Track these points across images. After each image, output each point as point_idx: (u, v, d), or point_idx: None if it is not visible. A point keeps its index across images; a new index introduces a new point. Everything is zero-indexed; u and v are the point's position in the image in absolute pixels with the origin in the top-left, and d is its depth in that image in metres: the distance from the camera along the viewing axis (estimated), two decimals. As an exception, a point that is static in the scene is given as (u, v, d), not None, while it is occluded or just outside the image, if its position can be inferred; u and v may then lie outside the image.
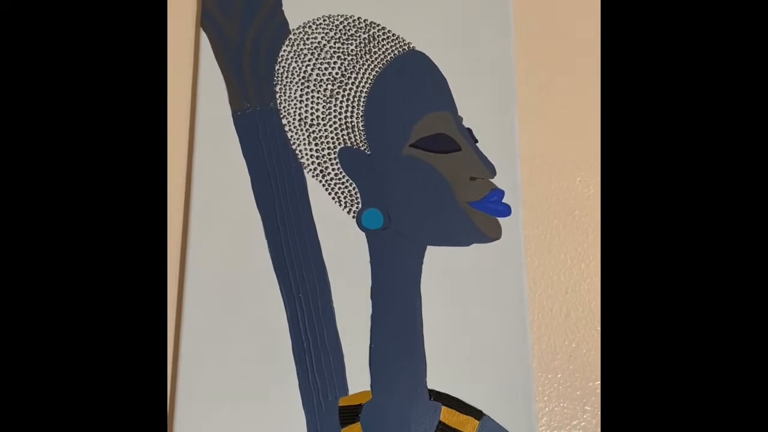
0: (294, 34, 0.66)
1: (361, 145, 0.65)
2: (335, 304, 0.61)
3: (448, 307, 0.61)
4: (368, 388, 0.59)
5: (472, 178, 0.65)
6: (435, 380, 0.59)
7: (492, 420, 0.58)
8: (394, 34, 0.67)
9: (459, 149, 0.66)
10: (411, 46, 0.67)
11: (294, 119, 0.65)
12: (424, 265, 0.63)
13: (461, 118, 0.66)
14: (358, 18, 0.67)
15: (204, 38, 0.66)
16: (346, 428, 0.58)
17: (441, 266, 0.62)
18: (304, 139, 0.65)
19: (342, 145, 0.65)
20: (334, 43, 0.66)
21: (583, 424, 0.61)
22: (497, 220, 0.64)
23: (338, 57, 0.66)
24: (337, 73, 0.66)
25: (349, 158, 0.65)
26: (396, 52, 0.67)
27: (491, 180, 0.65)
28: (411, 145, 0.65)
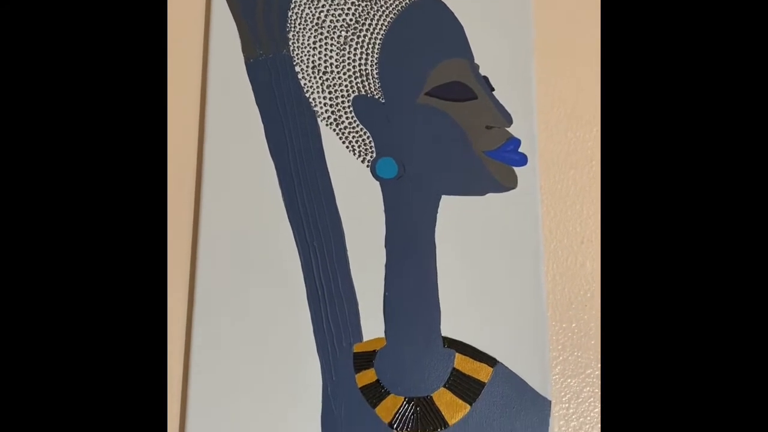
0: (307, -21, 0.65)
1: (375, 93, 0.64)
2: (349, 253, 0.61)
3: (462, 256, 0.61)
4: (382, 335, 0.59)
5: (488, 127, 0.64)
6: (449, 328, 0.59)
7: (506, 367, 0.58)
8: (409, -21, 0.66)
9: (475, 97, 0.65)
10: (427, -9, 0.65)
11: (307, 67, 0.64)
12: (438, 215, 0.62)
13: (478, 66, 0.65)
14: (373, -38, 0.66)
15: (216, -16, 0.65)
16: (360, 374, 0.58)
17: (456, 216, 0.62)
18: (317, 87, 0.64)
19: (356, 93, 0.64)
20: (348, -12, 0.65)
21: (597, 373, 0.61)
22: (513, 169, 0.63)
23: (352, 3, 0.65)
24: (351, 20, 0.64)
25: (363, 106, 0.64)
26: (411, -3, 0.65)
27: (507, 129, 0.64)
28: (426, 94, 0.64)
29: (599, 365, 0.61)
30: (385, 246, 0.61)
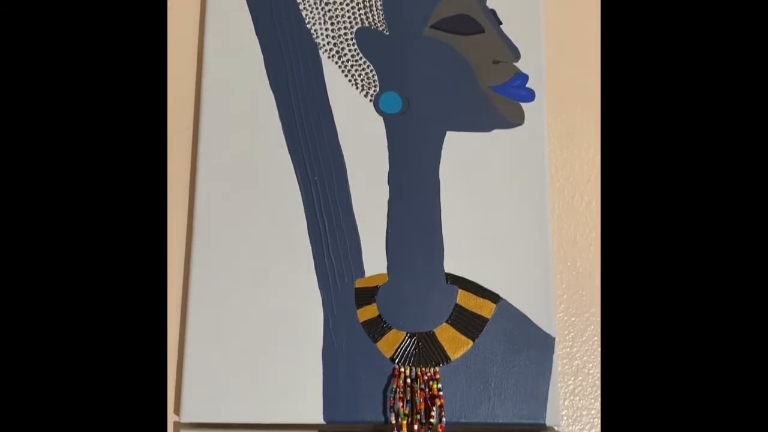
0: None
1: (379, 25, 0.62)
2: (351, 189, 0.60)
3: (467, 193, 0.60)
4: (384, 271, 0.58)
5: (495, 62, 0.62)
6: (452, 264, 0.58)
7: (509, 304, 0.58)
8: None
9: (482, 31, 0.63)
10: None
11: (309, -3, 0.62)
12: (443, 151, 0.61)
13: (485, -2, 0.63)
14: None
15: None
16: (361, 309, 0.57)
17: (461, 152, 0.61)
18: (319, 18, 0.62)
19: (359, 25, 0.62)
20: None
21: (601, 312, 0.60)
22: (520, 105, 0.62)
23: (356, -69, 0.62)
24: (354, -52, 0.62)
25: (366, 39, 0.62)
26: (417, -76, 0.63)
27: (515, 64, 0.62)
28: (432, 26, 0.62)
29: (593, 312, 0.60)
30: (388, 182, 0.60)
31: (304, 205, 0.59)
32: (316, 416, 0.55)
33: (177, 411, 0.56)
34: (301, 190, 0.59)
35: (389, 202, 0.60)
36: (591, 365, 0.59)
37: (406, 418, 0.54)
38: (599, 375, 0.59)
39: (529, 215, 0.60)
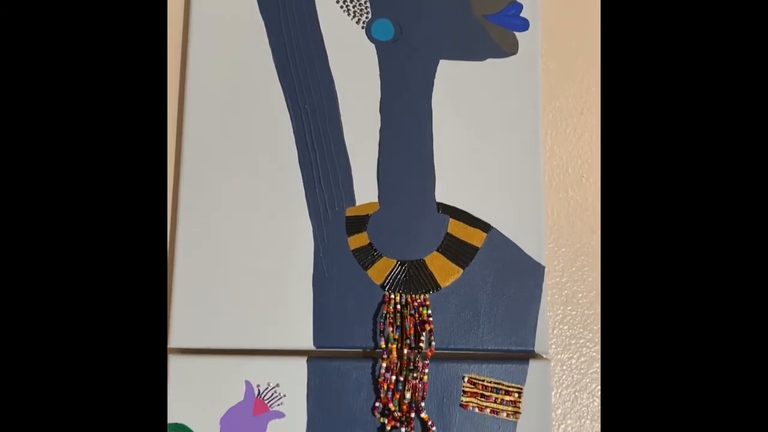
0: None
1: (371, -51, 0.60)
2: (343, 117, 0.59)
3: (459, 122, 0.59)
4: (376, 200, 0.58)
5: (490, -10, 0.61)
6: (444, 194, 0.58)
7: (500, 233, 0.57)
8: None
9: (476, -43, 0.61)
10: None
11: None
12: (436, 80, 0.60)
13: None
14: None
15: None
16: (352, 237, 0.57)
17: (454, 81, 0.60)
18: (310, -58, 0.60)
19: (351, -50, 0.60)
20: None
21: (591, 243, 0.60)
22: (514, 34, 0.61)
23: None
24: None
25: (358, -36, 0.60)
26: None
27: (509, -8, 0.61)
28: (425, -48, 0.61)
29: (593, 236, 0.60)
30: (380, 111, 0.59)
31: (294, 133, 0.58)
32: (307, 342, 0.55)
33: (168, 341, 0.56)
34: (291, 119, 0.59)
35: (381, 130, 0.59)
36: (580, 295, 0.59)
37: (395, 342, 0.54)
38: (588, 304, 0.59)
39: (521, 146, 0.59)
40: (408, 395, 0.53)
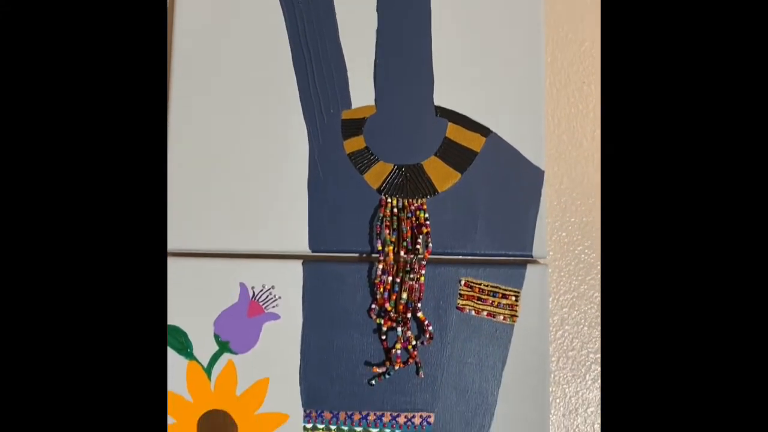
0: None
1: None
2: (338, 17, 0.57)
3: (459, 23, 0.57)
4: (372, 103, 0.56)
5: None
6: (442, 97, 0.57)
7: (499, 137, 0.56)
8: None
9: None
10: None
11: None
12: (434, -20, 0.58)
13: None
14: None
15: None
16: (348, 140, 0.56)
17: (453, -19, 0.58)
18: None
19: None
20: None
21: (591, 149, 0.59)
22: (516, -68, 0.58)
23: None
24: None
25: None
26: None
27: None
28: None
29: (595, 141, 0.59)
30: (377, 10, 0.57)
31: (288, 33, 0.57)
32: (302, 246, 0.55)
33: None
34: (285, 18, 0.57)
35: (378, 31, 0.57)
36: (579, 202, 0.59)
37: (392, 245, 0.54)
38: (587, 211, 0.58)
39: (522, 50, 0.57)
40: (404, 296, 0.53)
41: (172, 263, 0.54)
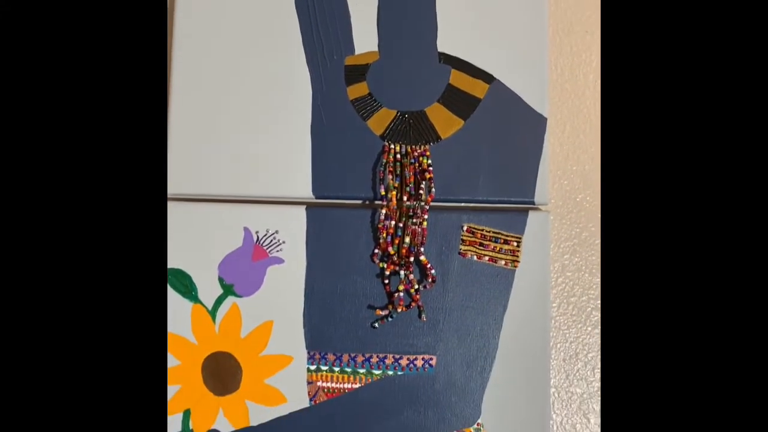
0: None
1: None
2: (341, -38, 0.57)
3: (462, -30, 0.57)
4: (375, 49, 0.56)
5: None
6: (446, 44, 0.56)
7: (502, 84, 0.56)
8: None
9: None
10: None
11: None
12: (438, -75, 0.57)
13: None
14: None
15: None
16: (351, 87, 0.56)
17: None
18: None
19: None
20: None
21: (594, 98, 0.59)
22: None
23: None
24: None
25: None
26: None
27: None
28: None
29: (597, 89, 0.59)
30: (380, -45, 0.57)
31: (290, -22, 0.56)
32: (305, 191, 0.55)
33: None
34: (287, -37, 0.56)
35: (381, -23, 0.57)
36: (581, 151, 0.59)
37: (395, 191, 0.54)
38: (590, 160, 0.59)
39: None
40: (407, 240, 0.53)
41: (175, 208, 0.54)
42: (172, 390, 0.53)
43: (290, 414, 0.53)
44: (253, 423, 0.53)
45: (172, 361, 0.53)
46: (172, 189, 0.54)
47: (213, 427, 0.52)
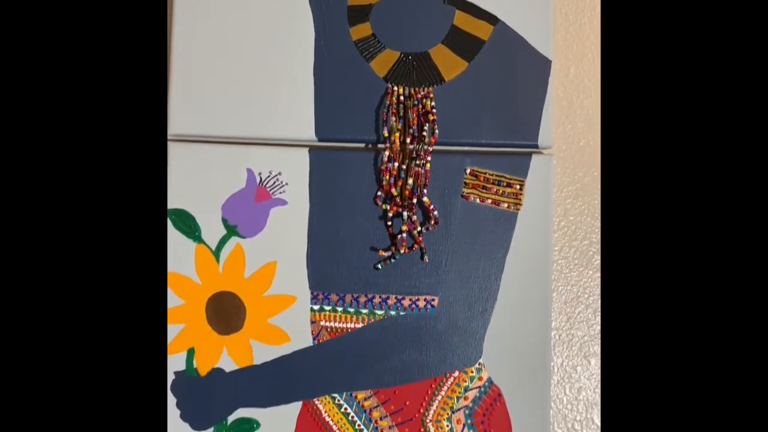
0: None
1: None
2: None
3: None
4: (379, -11, 0.56)
5: None
6: (450, -16, 0.56)
7: (507, 26, 0.56)
8: None
9: None
10: None
11: None
12: None
13: None
14: None
15: None
16: (354, 27, 0.55)
17: None
18: None
19: None
20: None
21: (597, 43, 0.59)
22: None
23: None
24: None
25: None
26: None
27: None
28: None
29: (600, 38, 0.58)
30: None
31: None
32: (308, 133, 0.55)
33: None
34: None
35: None
36: (584, 96, 0.58)
37: (398, 132, 0.54)
38: (592, 105, 0.58)
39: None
40: (410, 182, 0.53)
41: (177, 148, 0.54)
42: (175, 329, 0.53)
43: (294, 352, 0.54)
44: (257, 362, 0.53)
45: (176, 300, 0.53)
46: (174, 130, 0.54)
47: (217, 365, 0.53)
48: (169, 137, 0.54)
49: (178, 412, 0.53)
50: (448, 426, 0.54)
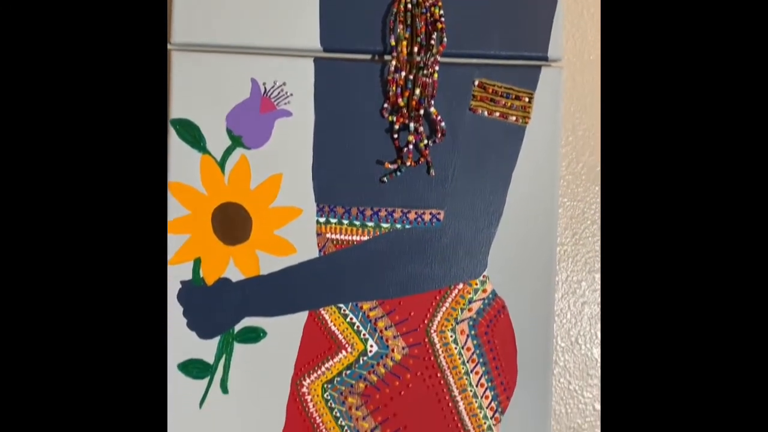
0: None
1: None
2: None
3: None
4: None
5: None
6: None
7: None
8: None
9: None
10: None
11: None
12: None
13: None
14: None
15: None
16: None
17: None
18: None
19: None
20: None
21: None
22: None
23: None
24: None
25: None
26: None
27: None
28: None
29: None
30: None
31: None
32: (313, 42, 0.53)
33: (169, 38, 0.53)
34: None
35: None
36: (594, 8, 0.57)
37: (405, 41, 0.53)
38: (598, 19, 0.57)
39: None
40: (417, 92, 0.52)
41: (179, 57, 0.53)
42: (181, 239, 0.53)
43: (300, 263, 0.54)
44: (264, 272, 0.54)
45: (181, 210, 0.53)
46: (176, 38, 0.53)
47: (224, 275, 0.53)
48: (171, 46, 0.53)
49: (184, 321, 0.54)
50: (452, 336, 0.55)
